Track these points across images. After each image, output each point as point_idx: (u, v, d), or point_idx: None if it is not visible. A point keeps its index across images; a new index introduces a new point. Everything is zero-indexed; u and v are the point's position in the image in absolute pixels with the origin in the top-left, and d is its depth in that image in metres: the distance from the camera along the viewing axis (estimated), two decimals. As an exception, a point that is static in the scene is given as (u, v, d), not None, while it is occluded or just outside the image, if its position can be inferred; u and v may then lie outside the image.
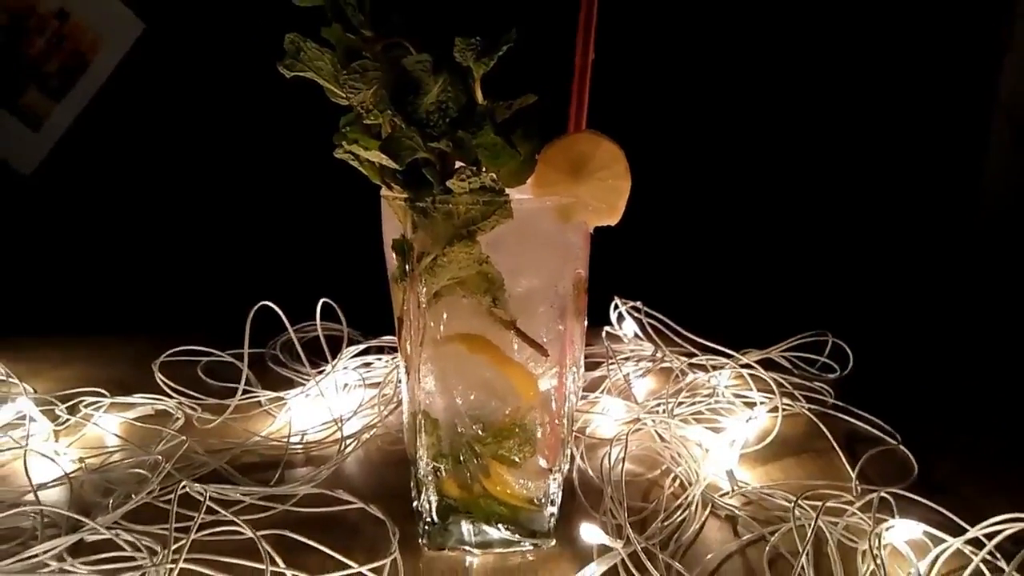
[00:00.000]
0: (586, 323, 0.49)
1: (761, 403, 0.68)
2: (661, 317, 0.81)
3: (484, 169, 0.41)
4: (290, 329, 0.73)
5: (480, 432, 0.46)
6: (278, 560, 0.47)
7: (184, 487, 0.50)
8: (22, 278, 1.07)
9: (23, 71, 1.23)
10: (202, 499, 0.48)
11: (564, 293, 0.46)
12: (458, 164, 0.42)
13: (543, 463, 0.48)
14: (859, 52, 1.02)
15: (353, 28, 0.40)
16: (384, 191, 0.45)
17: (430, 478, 0.49)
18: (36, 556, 0.47)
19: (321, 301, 0.74)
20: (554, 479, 0.49)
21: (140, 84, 1.17)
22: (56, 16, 1.23)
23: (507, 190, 0.42)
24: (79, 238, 1.14)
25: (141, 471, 0.57)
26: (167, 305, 1.02)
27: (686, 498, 0.54)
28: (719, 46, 1.01)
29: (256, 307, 0.71)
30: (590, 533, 0.46)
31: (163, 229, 1.14)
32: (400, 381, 0.50)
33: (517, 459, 0.47)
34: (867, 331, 0.83)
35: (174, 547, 0.45)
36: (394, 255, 0.46)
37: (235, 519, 0.47)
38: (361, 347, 0.77)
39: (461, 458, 0.47)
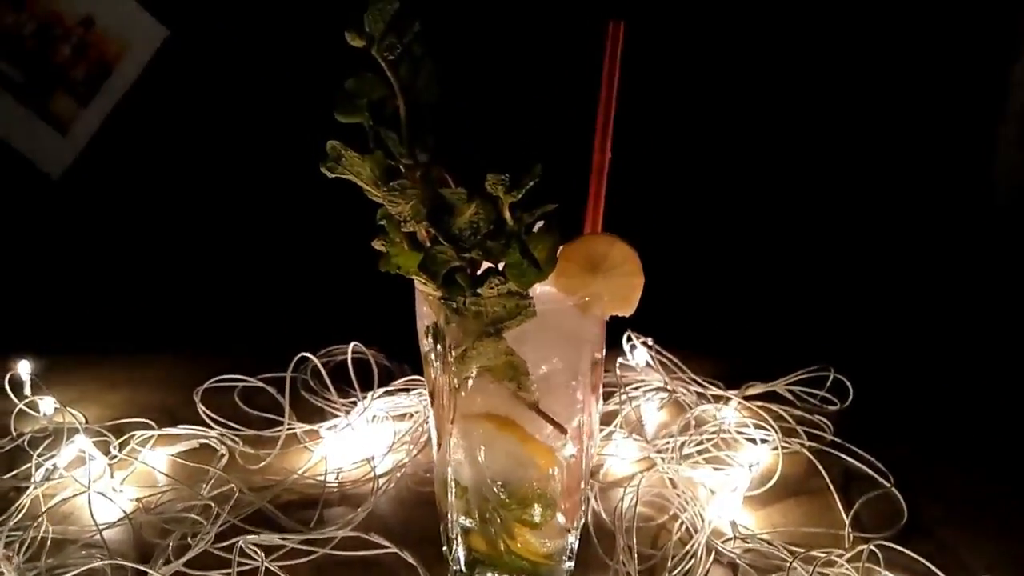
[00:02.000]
0: (601, 393, 0.54)
1: (763, 441, 0.73)
2: (668, 355, 0.85)
3: (510, 276, 0.45)
4: (319, 364, 0.77)
5: (505, 498, 0.51)
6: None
7: (240, 545, 0.55)
8: (51, 285, 1.12)
9: (50, 77, 1.27)
10: (259, 560, 0.53)
11: (582, 374, 0.50)
12: (486, 265, 0.47)
13: (563, 522, 0.53)
14: (862, 67, 1.04)
15: (393, 156, 0.44)
16: (418, 284, 0.49)
17: (458, 534, 0.54)
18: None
19: (351, 345, 0.79)
20: (573, 536, 0.54)
21: (165, 89, 1.21)
22: (81, 23, 1.26)
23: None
24: (107, 244, 1.19)
25: (194, 516, 0.62)
26: (199, 316, 1.07)
27: (692, 545, 0.59)
28: (719, 80, 1.04)
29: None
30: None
31: (191, 237, 1.19)
32: (431, 441, 0.55)
33: (539, 523, 0.52)
34: (870, 364, 0.88)
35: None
36: (427, 338, 0.51)
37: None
38: (394, 384, 0.81)
39: (487, 519, 0.52)
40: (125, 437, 0.74)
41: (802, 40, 1.07)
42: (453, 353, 0.48)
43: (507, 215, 0.43)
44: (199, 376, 0.83)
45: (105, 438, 0.75)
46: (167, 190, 1.22)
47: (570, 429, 0.51)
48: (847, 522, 0.62)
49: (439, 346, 0.49)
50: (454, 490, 0.52)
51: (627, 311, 0.49)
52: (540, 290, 0.47)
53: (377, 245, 0.49)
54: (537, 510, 0.52)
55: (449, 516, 0.54)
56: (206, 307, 1.08)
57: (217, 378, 0.82)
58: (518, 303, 0.45)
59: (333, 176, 0.48)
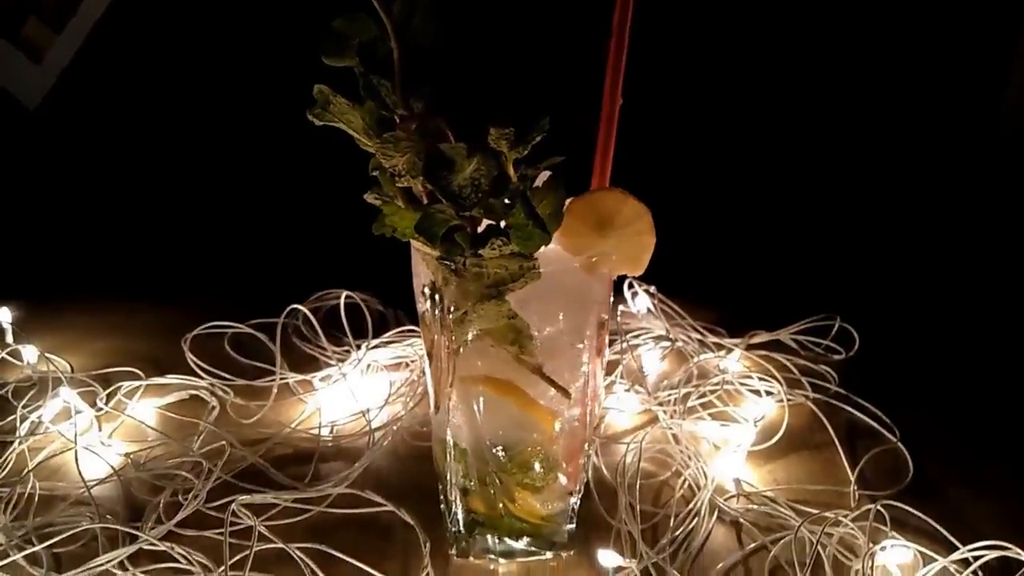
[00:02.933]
0: (607, 354, 0.51)
1: (767, 393, 0.71)
2: (670, 303, 0.83)
3: (514, 236, 0.42)
4: (309, 314, 0.75)
5: (505, 462, 0.50)
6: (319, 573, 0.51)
7: (232, 507, 0.53)
8: (31, 225, 1.08)
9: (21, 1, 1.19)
10: (253, 523, 0.52)
11: (587, 337, 0.48)
12: (487, 221, 0.44)
13: (564, 485, 0.52)
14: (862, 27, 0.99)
15: (386, 105, 0.40)
16: (415, 242, 0.46)
17: (457, 496, 0.52)
18: (101, 565, 0.51)
19: (344, 295, 0.76)
20: (575, 498, 0.53)
21: (145, 10, 1.14)
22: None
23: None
24: (89, 182, 1.14)
25: (184, 473, 0.60)
26: (186, 259, 1.03)
27: (695, 504, 0.58)
28: (727, 29, 0.99)
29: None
30: (607, 558, 0.50)
31: (177, 175, 1.15)
32: (429, 401, 0.53)
33: (540, 486, 0.50)
34: (877, 314, 0.86)
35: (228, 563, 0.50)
36: (424, 298, 0.48)
37: (286, 547, 0.51)
38: (389, 334, 0.79)
39: (487, 482, 0.51)
40: (112, 388, 0.72)
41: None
42: (452, 315, 0.45)
43: (511, 171, 0.40)
44: (187, 323, 0.80)
45: (91, 388, 0.73)
46: (151, 123, 1.16)
47: (573, 392, 0.48)
48: (852, 479, 0.61)
49: (437, 307, 0.46)
50: (453, 453, 0.51)
51: (637, 271, 0.47)
52: (545, 249, 0.44)
53: (370, 199, 0.46)
54: (538, 473, 0.50)
55: (447, 478, 0.52)
56: (193, 250, 1.04)
57: (206, 325, 0.80)
58: (522, 264, 0.43)
59: (320, 124, 0.44)
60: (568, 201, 0.45)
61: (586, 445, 0.52)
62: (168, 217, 1.10)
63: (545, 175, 0.44)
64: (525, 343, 0.46)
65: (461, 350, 0.47)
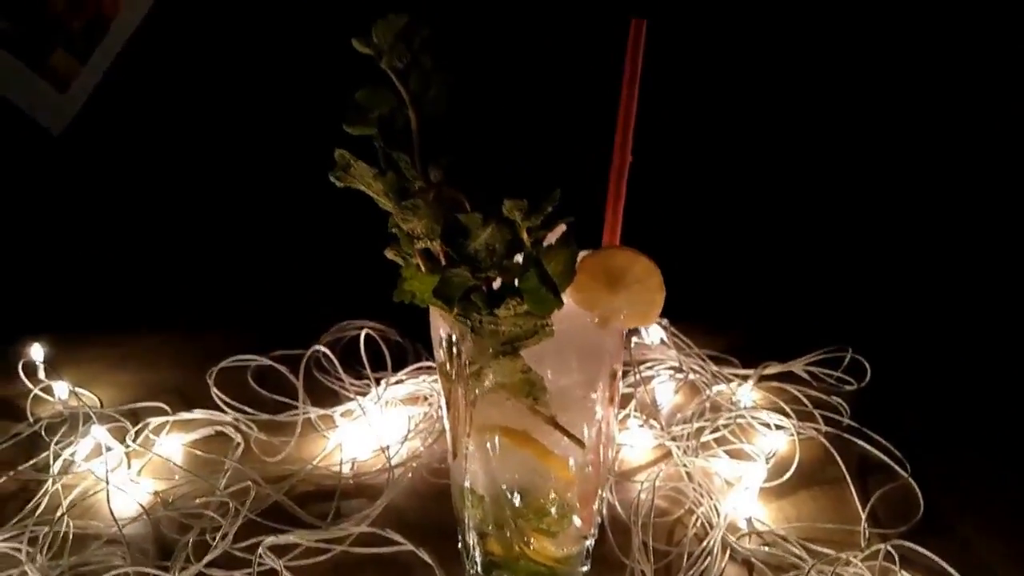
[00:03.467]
0: (619, 400, 0.53)
1: (779, 428, 0.72)
2: (681, 336, 0.84)
3: (528, 296, 0.44)
4: (327, 352, 0.77)
5: (521, 508, 0.51)
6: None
7: (260, 550, 0.55)
8: (56, 256, 1.10)
9: (48, 31, 1.23)
10: (279, 568, 0.54)
11: (600, 387, 0.50)
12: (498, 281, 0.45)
13: (579, 528, 0.53)
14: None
15: (404, 176, 0.42)
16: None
17: (475, 539, 0.54)
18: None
19: (364, 331, 0.78)
20: (589, 541, 0.54)
21: (168, 41, 1.16)
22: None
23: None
24: (112, 213, 1.17)
25: (210, 513, 0.62)
26: (210, 291, 1.06)
27: (708, 543, 0.59)
28: (737, 42, 1.00)
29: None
30: (621, 602, 0.51)
31: (200, 206, 1.17)
32: (448, 449, 0.54)
33: (555, 531, 0.52)
34: (888, 345, 0.86)
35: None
36: (441, 350, 0.50)
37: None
38: (409, 369, 0.80)
39: (504, 527, 0.52)
40: (140, 425, 0.74)
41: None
42: (468, 368, 0.47)
43: (524, 236, 0.42)
44: (211, 354, 0.82)
45: (120, 423, 0.75)
46: (173, 154, 1.19)
47: (587, 440, 0.50)
48: (863, 517, 0.62)
49: (455, 359, 0.48)
50: (470, 498, 0.52)
51: (647, 324, 0.48)
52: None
53: (390, 255, 0.48)
54: (554, 519, 0.52)
55: (465, 522, 0.54)
56: (218, 280, 1.07)
57: (232, 359, 0.82)
58: (536, 323, 0.44)
59: (342, 186, 0.46)
60: (580, 257, 0.47)
61: (600, 492, 0.53)
62: (191, 247, 1.12)
63: (558, 232, 0.46)
64: (539, 395, 0.47)
65: (477, 401, 0.48)
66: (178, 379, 0.84)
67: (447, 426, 0.52)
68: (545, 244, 0.45)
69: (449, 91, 0.42)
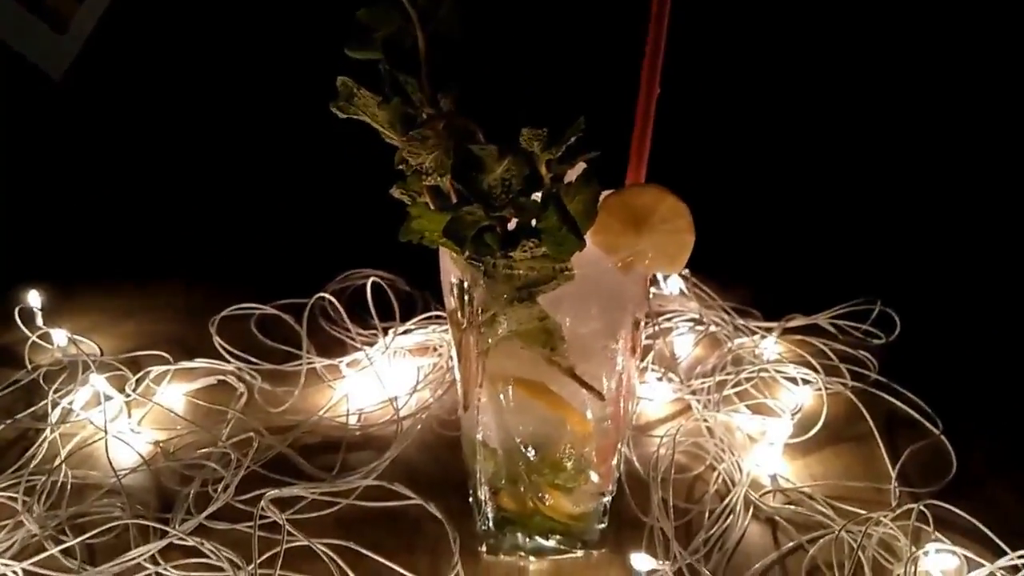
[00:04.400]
0: (641, 351, 0.50)
1: (805, 382, 0.69)
2: (702, 286, 0.81)
3: (546, 237, 0.40)
4: (333, 300, 0.74)
5: (536, 463, 0.49)
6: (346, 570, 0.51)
7: (261, 503, 0.53)
8: (58, 203, 1.07)
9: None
10: (281, 522, 0.51)
11: (622, 337, 0.46)
12: (515, 221, 0.42)
13: (597, 484, 0.51)
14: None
15: (412, 102, 0.38)
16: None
17: (487, 494, 0.52)
18: (133, 559, 0.51)
19: (371, 280, 0.75)
20: (607, 498, 0.52)
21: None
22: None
23: (568, 248, 0.41)
24: (114, 154, 1.13)
25: (212, 464, 0.60)
26: (213, 237, 1.03)
27: (729, 501, 0.57)
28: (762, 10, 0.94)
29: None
30: (640, 561, 0.49)
31: (205, 151, 1.13)
32: (458, 401, 0.52)
33: (572, 486, 0.49)
34: (919, 297, 0.82)
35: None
36: (452, 296, 0.47)
37: (312, 544, 0.51)
38: (418, 319, 0.77)
39: (517, 482, 0.50)
40: (141, 373, 0.72)
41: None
42: (481, 316, 0.44)
43: (543, 171, 0.38)
44: (214, 303, 0.80)
45: (120, 373, 0.73)
46: (178, 96, 1.15)
47: (607, 392, 0.47)
48: (893, 476, 0.59)
49: (466, 307, 0.45)
50: (482, 452, 0.50)
51: (674, 270, 0.45)
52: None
53: (396, 194, 0.44)
54: (570, 474, 0.49)
55: (477, 476, 0.51)
56: (221, 228, 1.03)
57: (233, 307, 0.79)
58: (554, 266, 0.41)
59: (345, 117, 0.42)
60: (603, 197, 0.43)
61: (619, 446, 0.51)
62: (195, 195, 1.09)
63: (579, 169, 0.42)
64: (557, 345, 0.44)
65: (490, 351, 0.45)
66: (180, 328, 0.82)
67: (458, 377, 0.49)
68: (565, 182, 0.42)
69: (461, 9, 0.38)
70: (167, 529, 0.53)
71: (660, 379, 0.70)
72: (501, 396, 0.47)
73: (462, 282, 0.45)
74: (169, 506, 0.58)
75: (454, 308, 0.46)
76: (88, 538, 0.54)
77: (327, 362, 0.73)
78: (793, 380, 0.70)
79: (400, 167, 0.43)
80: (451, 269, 0.45)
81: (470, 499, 0.54)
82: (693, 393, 0.69)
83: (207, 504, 0.56)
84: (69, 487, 0.59)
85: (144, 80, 1.14)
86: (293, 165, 1.09)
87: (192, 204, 1.07)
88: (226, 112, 1.12)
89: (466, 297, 0.45)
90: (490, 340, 0.45)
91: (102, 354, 0.77)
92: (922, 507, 0.54)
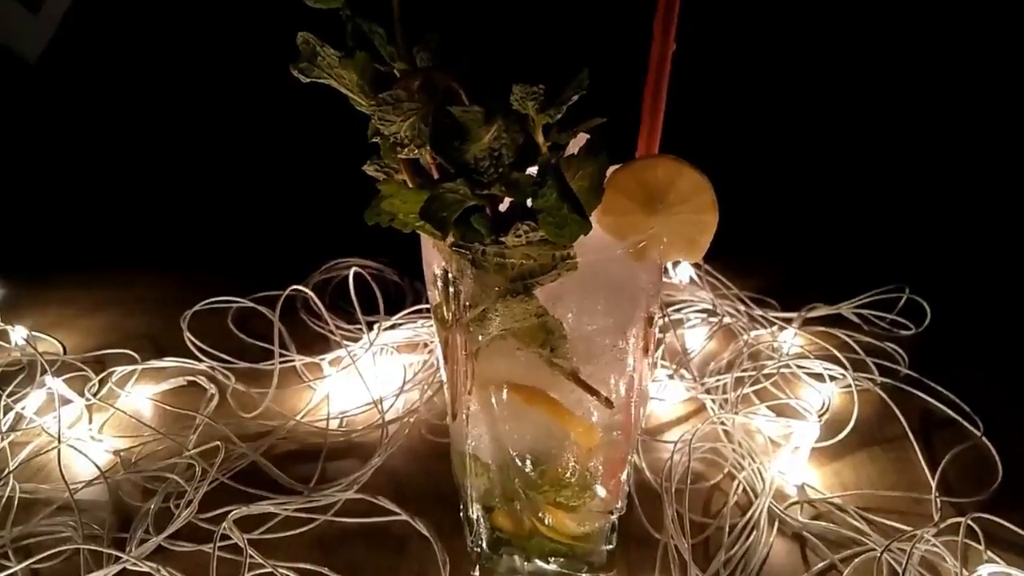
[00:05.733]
0: (653, 351, 0.44)
1: (831, 378, 0.63)
2: (715, 274, 0.75)
3: (544, 219, 0.34)
4: (310, 294, 0.67)
5: (535, 479, 0.42)
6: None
7: (224, 524, 0.47)
8: (27, 191, 1.01)
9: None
10: (242, 545, 0.45)
11: (633, 335, 0.40)
12: (507, 200, 0.35)
13: (604, 501, 0.45)
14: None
15: (383, 58, 0.31)
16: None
17: (480, 513, 0.46)
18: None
19: (352, 270, 0.69)
20: (615, 516, 0.46)
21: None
22: None
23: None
24: (87, 140, 1.07)
25: (175, 477, 0.54)
26: (189, 227, 0.96)
27: (752, 514, 0.51)
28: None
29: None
30: (654, 591, 0.43)
31: (179, 135, 1.07)
32: (447, 408, 0.46)
33: (575, 504, 0.43)
34: (950, 283, 0.76)
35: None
36: (436, 289, 0.40)
37: (275, 570, 0.45)
38: (406, 312, 0.71)
39: (514, 499, 0.44)
40: (105, 373, 0.66)
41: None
42: (469, 312, 0.38)
43: (540, 139, 0.32)
44: (188, 296, 0.74)
45: (83, 373, 0.67)
46: (155, 81, 1.08)
47: (616, 398, 0.41)
48: (933, 484, 0.53)
49: (452, 301, 0.39)
50: (473, 467, 0.43)
51: (694, 256, 0.38)
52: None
53: (369, 171, 0.38)
54: (574, 491, 0.43)
55: (468, 493, 0.45)
56: (197, 216, 0.97)
57: (206, 301, 0.73)
58: (554, 254, 0.35)
59: (308, 80, 0.36)
60: (610, 171, 0.37)
61: (629, 457, 0.45)
62: (171, 180, 1.02)
63: (582, 140, 0.36)
64: (558, 345, 0.38)
65: (481, 352, 0.39)
66: (152, 323, 0.76)
67: (445, 381, 0.43)
68: (567, 155, 0.35)
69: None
70: (120, 554, 0.47)
71: (672, 376, 0.64)
72: (494, 404, 0.41)
73: (446, 273, 0.38)
74: (128, 523, 0.52)
75: (439, 303, 0.40)
76: (33, 563, 0.48)
77: (307, 360, 0.67)
78: (817, 376, 0.64)
79: (375, 139, 0.37)
80: (434, 258, 0.39)
81: (461, 513, 0.48)
82: (708, 392, 0.63)
83: (169, 524, 0.50)
84: (16, 503, 0.53)
85: (120, 64, 1.08)
86: (276, 146, 1.02)
87: (168, 190, 1.01)
88: (203, 94, 1.05)
89: (451, 290, 0.38)
90: (480, 340, 0.38)
91: (65, 353, 0.71)
92: (969, 521, 0.48)
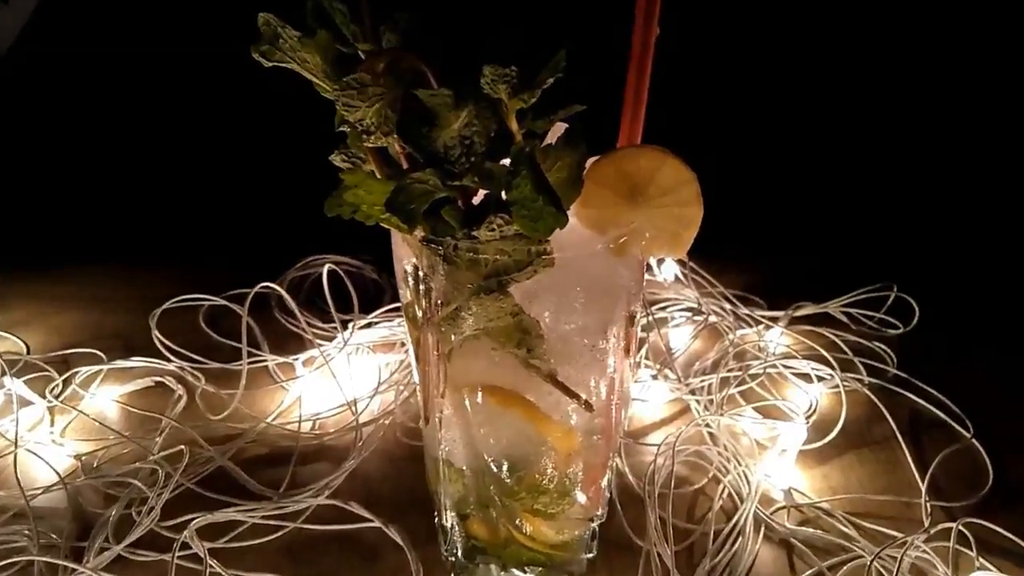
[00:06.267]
0: (636, 352, 0.42)
1: (819, 379, 0.62)
2: (700, 272, 0.73)
3: (519, 212, 0.32)
4: (284, 293, 0.65)
5: (512, 486, 0.41)
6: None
7: (185, 534, 0.44)
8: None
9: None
10: (203, 555, 0.43)
11: (614, 334, 0.38)
12: (481, 193, 0.33)
13: (584, 507, 0.43)
14: None
15: (345, 39, 0.29)
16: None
17: (454, 520, 0.44)
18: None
19: (326, 266, 0.67)
20: (596, 523, 0.44)
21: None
22: None
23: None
24: (51, 131, 1.04)
25: (138, 483, 0.52)
26: (162, 222, 0.93)
27: (738, 519, 0.49)
28: None
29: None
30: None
31: (153, 126, 1.04)
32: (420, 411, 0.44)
33: (554, 512, 0.41)
34: (938, 281, 0.75)
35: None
36: (406, 286, 0.38)
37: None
38: (383, 310, 0.69)
39: (489, 507, 0.42)
40: (69, 374, 0.64)
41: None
42: (441, 311, 0.36)
43: (514, 126, 0.30)
44: (160, 293, 0.71)
45: (46, 373, 0.64)
46: (124, 75, 1.05)
47: (596, 401, 0.39)
48: (923, 488, 0.52)
49: (423, 299, 0.37)
50: (447, 473, 0.41)
51: (677, 253, 0.37)
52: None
53: (336, 160, 0.36)
54: (552, 498, 0.41)
55: (441, 500, 0.43)
56: (172, 210, 0.94)
57: (177, 299, 0.71)
58: (529, 249, 0.33)
59: (270, 64, 0.34)
60: (589, 163, 0.35)
61: (610, 462, 0.43)
62: (145, 174, 0.99)
63: (560, 129, 0.34)
64: (534, 345, 0.36)
65: (454, 353, 0.37)
66: (120, 322, 0.73)
67: (417, 383, 0.41)
68: (544, 145, 0.34)
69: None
70: (75, 566, 0.45)
71: (655, 377, 0.62)
72: (468, 407, 0.39)
73: (417, 269, 0.36)
74: (88, 532, 0.50)
75: (409, 301, 0.38)
76: (-15, 573, 0.46)
77: (279, 360, 0.65)
78: (804, 376, 0.62)
79: (342, 128, 0.35)
80: (404, 253, 0.37)
81: (436, 520, 0.46)
82: (692, 393, 0.61)
83: (129, 532, 0.48)
84: (-31, 510, 0.51)
85: (90, 56, 1.05)
86: (255, 138, 0.99)
87: (142, 183, 0.98)
88: (175, 87, 1.02)
89: (422, 287, 0.36)
90: (453, 340, 0.37)
91: (28, 352, 0.68)
92: (961, 527, 0.46)
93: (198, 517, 0.46)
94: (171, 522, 0.48)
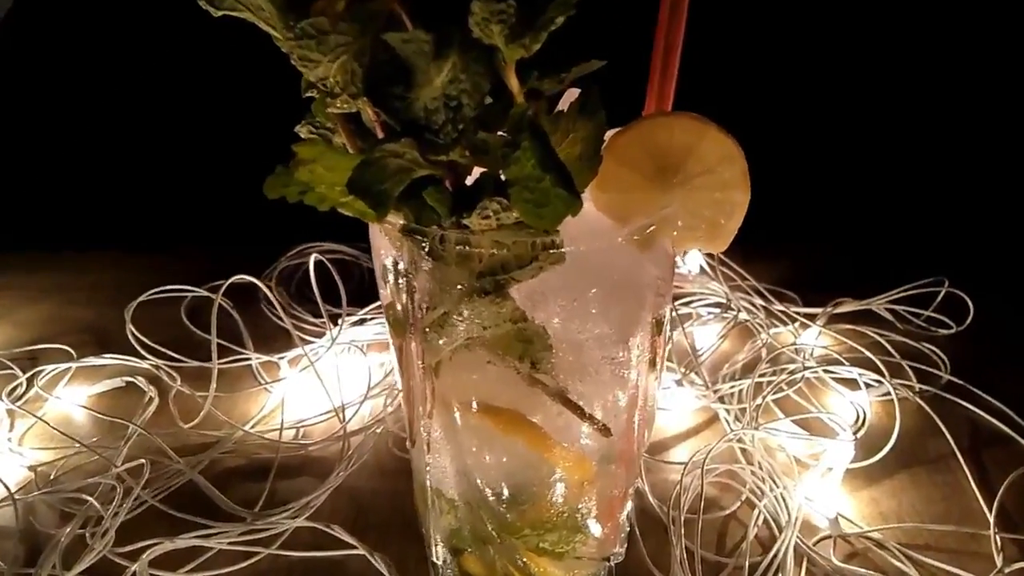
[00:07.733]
0: (663, 366, 0.35)
1: (866, 385, 0.55)
2: (729, 263, 0.66)
3: (520, 195, 0.25)
4: (265, 289, 0.59)
5: (513, 520, 0.34)
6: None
7: (135, 568, 0.39)
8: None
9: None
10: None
11: (637, 344, 0.32)
12: (478, 170, 0.27)
13: (599, 542, 0.37)
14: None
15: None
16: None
17: (445, 556, 0.37)
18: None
19: (313, 258, 0.60)
20: (613, 561, 0.38)
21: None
22: None
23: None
24: (28, 115, 0.98)
25: (94, 502, 0.46)
26: (144, 207, 0.87)
27: (776, 551, 0.43)
28: None
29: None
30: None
31: (142, 107, 0.98)
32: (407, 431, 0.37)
33: (562, 551, 0.35)
34: (994, 277, 0.67)
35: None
36: (385, 284, 0.32)
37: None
38: (374, 306, 0.63)
39: (487, 542, 0.35)
40: (32, 372, 0.58)
41: None
42: (426, 315, 0.29)
43: (513, 83, 0.23)
44: (140, 283, 0.65)
45: (10, 371, 0.59)
46: (105, 59, 0.99)
47: (615, 425, 0.32)
48: (990, 516, 0.45)
49: (404, 300, 0.30)
50: (437, 504, 0.35)
51: (717, 246, 0.30)
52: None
53: (302, 131, 0.30)
54: (561, 536, 0.35)
55: (431, 534, 0.37)
56: (155, 191, 0.88)
57: (154, 290, 0.65)
58: (534, 240, 0.26)
59: (219, 14, 0.28)
60: (609, 135, 0.29)
61: (630, 491, 0.36)
62: (126, 154, 0.93)
63: (573, 94, 0.27)
64: (540, 358, 0.30)
65: (442, 366, 0.31)
66: (97, 315, 0.68)
67: (402, 400, 0.35)
68: (554, 112, 0.27)
69: None
70: (12, 601, 0.39)
71: (680, 383, 0.56)
72: (460, 429, 0.32)
73: (396, 264, 0.30)
74: (37, 555, 0.44)
75: (390, 302, 0.32)
76: (-87, 607, 0.40)
77: (263, 359, 0.59)
78: (847, 383, 0.56)
79: (309, 93, 0.29)
80: (382, 246, 0.31)
81: (426, 545, 0.40)
82: (721, 400, 0.54)
83: (79, 559, 0.42)
84: (-91, 527, 0.45)
85: (70, 43, 0.99)
86: (248, 119, 0.93)
87: (120, 163, 0.91)
88: (157, 68, 0.96)
89: (403, 285, 0.30)
90: (441, 350, 0.30)
91: (-5, 348, 0.63)
92: (1042, 568, 0.40)
93: (155, 544, 0.40)
94: (127, 548, 0.42)
